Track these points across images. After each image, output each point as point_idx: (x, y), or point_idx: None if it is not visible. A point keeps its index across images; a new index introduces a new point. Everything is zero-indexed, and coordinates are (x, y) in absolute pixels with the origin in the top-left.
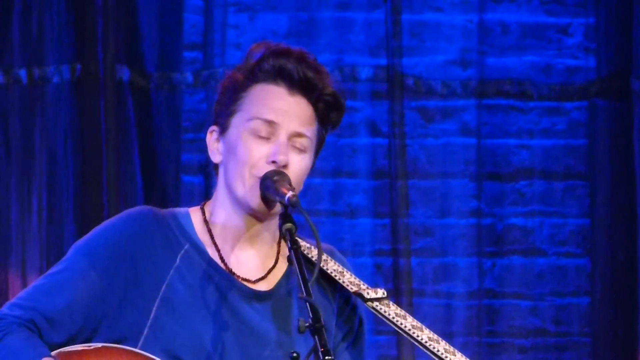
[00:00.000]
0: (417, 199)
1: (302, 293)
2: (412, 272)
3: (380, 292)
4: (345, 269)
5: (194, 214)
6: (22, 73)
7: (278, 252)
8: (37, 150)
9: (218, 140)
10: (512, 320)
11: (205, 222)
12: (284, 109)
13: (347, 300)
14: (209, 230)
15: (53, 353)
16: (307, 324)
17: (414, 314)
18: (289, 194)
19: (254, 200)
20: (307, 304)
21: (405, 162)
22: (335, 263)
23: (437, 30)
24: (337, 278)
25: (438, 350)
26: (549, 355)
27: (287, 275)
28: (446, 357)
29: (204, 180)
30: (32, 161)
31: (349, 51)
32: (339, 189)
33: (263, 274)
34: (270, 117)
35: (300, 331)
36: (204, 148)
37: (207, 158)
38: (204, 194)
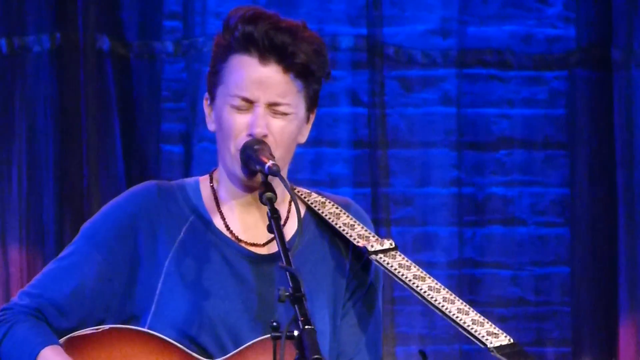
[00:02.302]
0: (397, 168)
1: (283, 262)
2: None
3: (388, 243)
4: (357, 222)
5: (203, 183)
6: (2, 42)
7: (288, 213)
8: (17, 120)
9: (210, 107)
10: (492, 289)
11: (213, 190)
12: (257, 82)
13: (360, 256)
14: (216, 199)
15: (62, 339)
16: (288, 294)
17: (394, 283)
18: (269, 163)
19: (238, 171)
20: (287, 273)
21: (386, 132)
22: (348, 217)
23: (417, 0)
24: (345, 232)
25: (436, 300)
26: (529, 325)
27: (298, 233)
28: (443, 305)
29: (183, 150)
30: (12, 130)
31: (329, 21)
32: (320, 159)
33: (272, 236)
34: (245, 94)
35: (280, 300)
36: (183, 117)
37: (187, 127)
38: (184, 163)
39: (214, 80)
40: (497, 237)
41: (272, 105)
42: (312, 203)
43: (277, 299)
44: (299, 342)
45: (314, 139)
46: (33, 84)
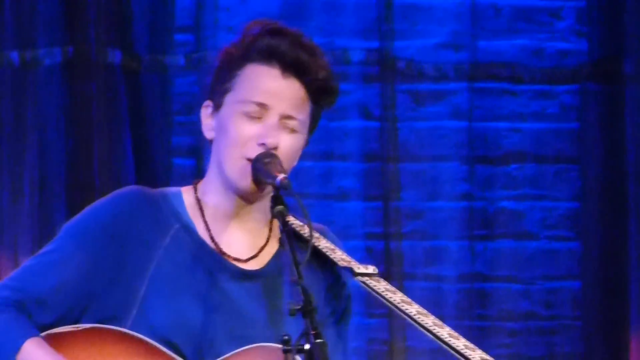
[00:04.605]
0: (408, 182)
1: (294, 276)
2: (403, 255)
3: (371, 269)
4: (336, 247)
5: (186, 193)
6: (14, 55)
7: (270, 232)
8: (29, 133)
9: (211, 116)
10: (502, 303)
11: (198, 200)
12: (275, 91)
13: (338, 278)
14: (201, 209)
15: (42, 335)
16: (299, 307)
17: None
18: (281, 176)
19: (245, 181)
20: (300, 287)
21: (397, 145)
22: (327, 241)
23: (428, 13)
24: (328, 254)
25: (427, 324)
26: (540, 339)
27: (278, 254)
28: (434, 329)
29: (195, 163)
30: (24, 144)
31: (341, 34)
32: (330, 172)
33: (254, 253)
34: (261, 99)
35: (291, 314)
36: (195, 131)
37: (199, 141)
38: (196, 177)
39: (221, 88)
40: (508, 251)
41: (285, 118)
42: (293, 225)
43: (287, 312)
44: (310, 356)
45: (325, 153)
46: (44, 97)
